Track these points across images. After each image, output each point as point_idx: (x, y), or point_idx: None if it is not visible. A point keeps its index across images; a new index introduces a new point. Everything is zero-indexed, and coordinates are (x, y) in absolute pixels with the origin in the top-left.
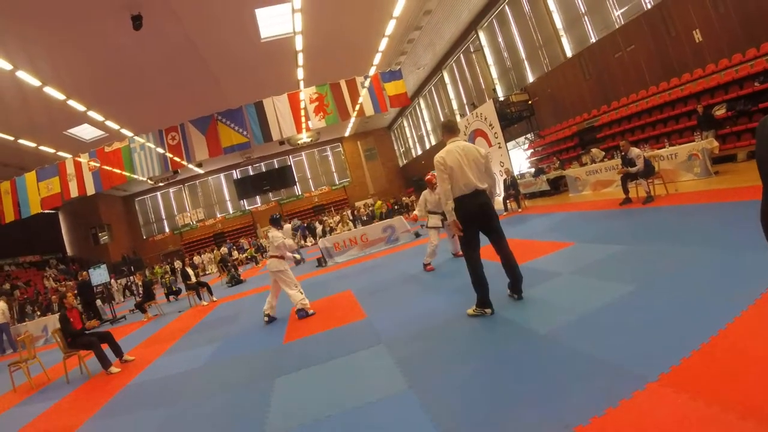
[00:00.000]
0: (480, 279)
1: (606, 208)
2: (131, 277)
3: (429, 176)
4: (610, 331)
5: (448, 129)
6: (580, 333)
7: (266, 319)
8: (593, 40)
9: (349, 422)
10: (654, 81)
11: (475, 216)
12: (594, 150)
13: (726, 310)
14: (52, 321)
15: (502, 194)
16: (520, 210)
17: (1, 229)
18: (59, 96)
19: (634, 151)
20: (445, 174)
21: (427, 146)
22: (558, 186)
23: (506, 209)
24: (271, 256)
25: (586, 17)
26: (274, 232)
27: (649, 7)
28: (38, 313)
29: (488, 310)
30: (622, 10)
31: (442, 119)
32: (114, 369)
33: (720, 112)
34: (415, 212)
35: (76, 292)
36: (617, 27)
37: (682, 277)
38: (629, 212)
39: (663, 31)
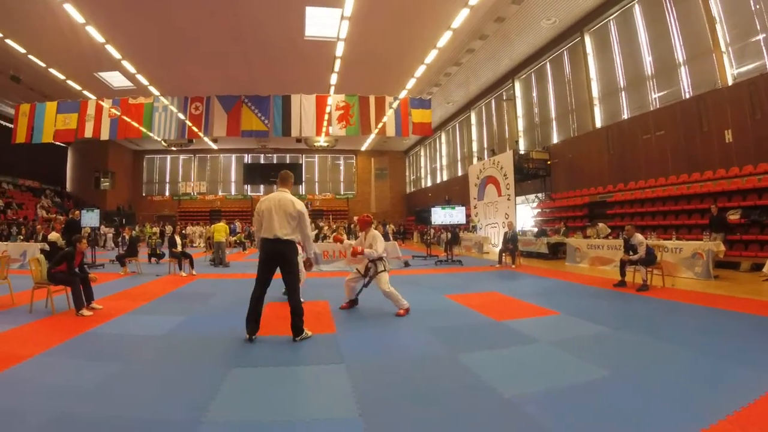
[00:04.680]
0: (252, 310)
1: (599, 285)
2: (121, 230)
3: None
4: (573, 412)
5: (281, 179)
6: (543, 406)
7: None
8: (625, 116)
9: None
10: (676, 171)
11: (268, 259)
12: (601, 225)
13: (693, 419)
14: (33, 248)
15: (500, 246)
16: (513, 266)
17: (9, 148)
18: (99, 38)
19: (638, 238)
20: (257, 217)
21: (438, 180)
22: (557, 251)
23: (500, 262)
24: None
25: (623, 92)
26: None
27: (687, 97)
28: (21, 237)
29: (247, 336)
30: (660, 94)
31: (459, 157)
32: (86, 312)
33: (734, 216)
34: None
35: (62, 227)
36: (651, 109)
37: (658, 374)
38: (621, 296)
39: (695, 123)
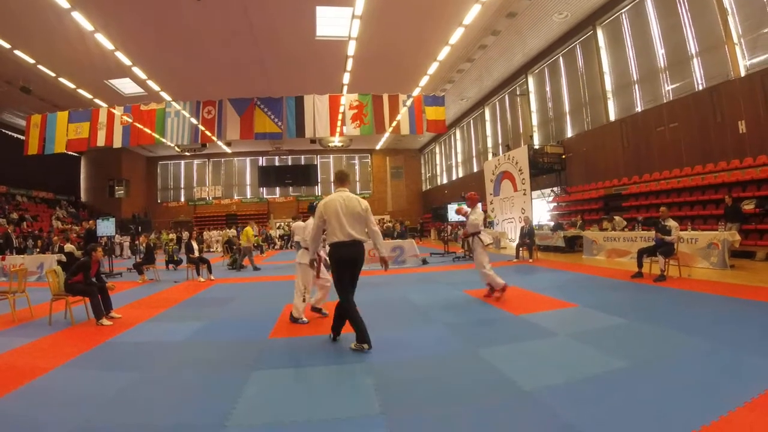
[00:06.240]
0: (355, 317)
1: (616, 277)
2: (137, 237)
3: (469, 194)
4: (592, 403)
5: (338, 179)
6: (562, 398)
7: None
8: (639, 109)
9: None
10: (690, 162)
11: (348, 263)
12: (617, 218)
13: (711, 407)
14: (50, 260)
15: (517, 240)
16: (530, 260)
17: (21, 160)
18: (108, 45)
19: (672, 222)
20: (320, 221)
21: (454, 177)
22: (573, 245)
23: (517, 257)
24: (303, 247)
25: (636, 85)
26: (311, 220)
27: (700, 88)
28: (38, 249)
29: (365, 345)
30: (673, 86)
31: (475, 153)
32: (105, 321)
33: (748, 206)
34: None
35: (80, 238)
36: (665, 101)
37: (676, 364)
38: (639, 287)
39: (709, 115)
